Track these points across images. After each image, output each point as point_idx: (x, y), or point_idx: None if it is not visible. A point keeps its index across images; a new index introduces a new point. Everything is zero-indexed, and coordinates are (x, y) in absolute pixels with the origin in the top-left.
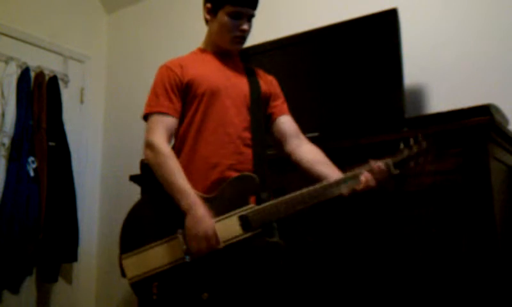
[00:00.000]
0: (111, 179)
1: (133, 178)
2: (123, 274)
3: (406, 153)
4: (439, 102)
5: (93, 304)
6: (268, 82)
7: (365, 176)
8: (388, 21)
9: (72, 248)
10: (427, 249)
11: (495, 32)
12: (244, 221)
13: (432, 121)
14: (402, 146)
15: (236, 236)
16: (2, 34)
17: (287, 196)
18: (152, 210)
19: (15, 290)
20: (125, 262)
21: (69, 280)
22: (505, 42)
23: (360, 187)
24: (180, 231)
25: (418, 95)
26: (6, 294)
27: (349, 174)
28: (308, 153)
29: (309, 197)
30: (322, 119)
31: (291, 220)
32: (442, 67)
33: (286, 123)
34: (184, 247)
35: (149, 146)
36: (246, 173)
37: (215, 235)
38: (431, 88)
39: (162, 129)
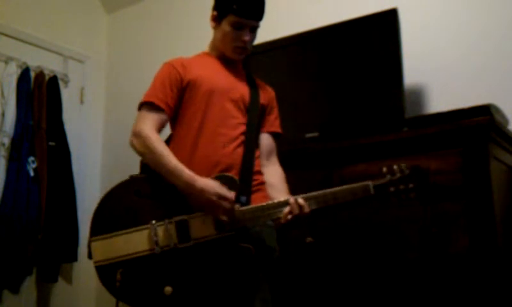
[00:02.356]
0: (111, 179)
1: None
2: (90, 256)
3: (387, 177)
4: (439, 102)
5: (93, 304)
6: (267, 94)
7: (285, 210)
8: (388, 21)
9: (71, 248)
10: (427, 249)
11: (495, 33)
12: (219, 222)
13: (432, 121)
14: (385, 170)
15: (209, 236)
16: (2, 34)
17: (265, 204)
18: (129, 197)
19: (15, 290)
20: (94, 245)
21: (69, 280)
22: (505, 42)
23: (281, 220)
24: (153, 222)
25: (418, 95)
26: (6, 294)
27: (276, 202)
28: (268, 174)
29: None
30: (322, 119)
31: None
32: (442, 67)
33: (264, 140)
34: (155, 238)
35: (135, 134)
36: (228, 174)
37: (224, 191)
38: (431, 88)
39: (150, 120)
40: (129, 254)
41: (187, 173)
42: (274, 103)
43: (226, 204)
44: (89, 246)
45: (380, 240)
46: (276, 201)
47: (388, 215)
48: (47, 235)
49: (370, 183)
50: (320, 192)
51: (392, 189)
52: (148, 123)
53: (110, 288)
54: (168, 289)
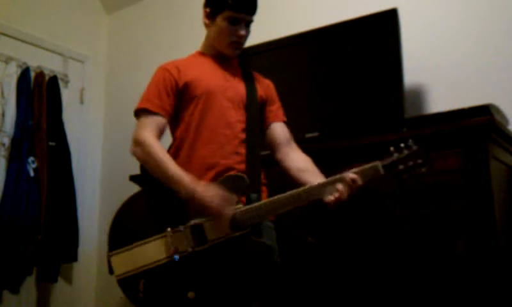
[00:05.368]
0: (111, 179)
1: (133, 178)
2: (111, 271)
3: (395, 156)
4: (439, 102)
5: (93, 304)
6: (265, 87)
7: (339, 187)
8: (388, 21)
9: (71, 248)
10: (427, 249)
11: (495, 32)
12: (233, 221)
13: (432, 121)
14: (392, 149)
15: (225, 235)
16: (2, 34)
17: (275, 197)
18: (142, 208)
19: (15, 290)
20: (113, 259)
21: (69, 280)
22: (505, 42)
23: (335, 196)
24: (168, 229)
25: (418, 95)
26: (6, 294)
27: (329, 179)
28: (296, 161)
29: (295, 200)
30: (322, 119)
31: (291, 221)
32: (442, 67)
33: (278, 130)
34: (173, 245)
35: (137, 143)
36: (237, 173)
37: (225, 195)
38: (431, 88)
39: (150, 127)
40: (149, 264)
41: (187, 179)
42: (274, 94)
43: (227, 208)
44: (108, 261)
45: (380, 240)
46: (330, 179)
47: (388, 215)
48: (47, 235)
49: (378, 163)
50: (330, 178)
51: (401, 167)
52: (148, 130)
53: (134, 300)
54: (191, 294)
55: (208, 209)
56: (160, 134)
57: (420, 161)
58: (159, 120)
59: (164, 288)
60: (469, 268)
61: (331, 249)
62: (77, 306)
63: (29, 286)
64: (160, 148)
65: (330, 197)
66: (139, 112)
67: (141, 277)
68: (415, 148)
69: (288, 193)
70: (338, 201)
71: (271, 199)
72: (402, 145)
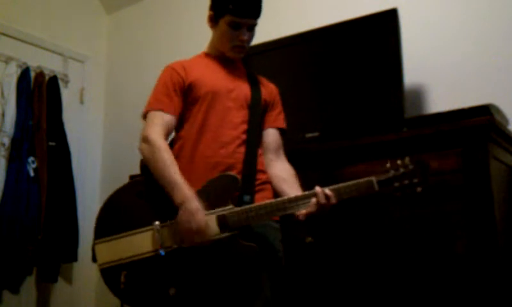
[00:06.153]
0: (111, 179)
1: (133, 178)
2: (94, 259)
3: (391, 173)
4: (439, 102)
5: (93, 304)
6: (269, 90)
7: (312, 201)
8: (388, 21)
9: (71, 248)
10: (427, 249)
11: (494, 33)
12: (222, 221)
13: (432, 121)
14: (388, 165)
15: (212, 235)
16: (2, 34)
17: (267, 202)
18: (132, 199)
19: (15, 290)
20: (98, 247)
21: (69, 280)
22: (505, 42)
23: (307, 210)
24: (156, 223)
25: (418, 95)
26: (6, 294)
27: (304, 194)
28: (278, 170)
29: (286, 207)
30: (322, 119)
31: (290, 221)
32: (442, 67)
33: (270, 136)
34: (159, 239)
35: (145, 140)
36: (229, 173)
37: (206, 229)
38: (431, 88)
39: (159, 125)
40: (133, 256)
41: (185, 191)
42: (277, 99)
43: (198, 238)
44: (93, 249)
45: (380, 240)
46: (298, 194)
47: (388, 215)
48: (47, 235)
49: (373, 178)
50: (307, 192)
51: (396, 185)
52: (157, 129)
53: (114, 291)
54: (172, 290)
55: (185, 227)
56: (168, 134)
57: (416, 180)
58: (169, 119)
59: (145, 281)
60: (469, 268)
61: (330, 250)
62: (77, 306)
63: (29, 286)
64: (165, 150)
65: (302, 211)
66: (149, 110)
67: (124, 269)
68: (411, 166)
69: (280, 199)
70: (308, 215)
71: (261, 203)
72: (399, 162)
